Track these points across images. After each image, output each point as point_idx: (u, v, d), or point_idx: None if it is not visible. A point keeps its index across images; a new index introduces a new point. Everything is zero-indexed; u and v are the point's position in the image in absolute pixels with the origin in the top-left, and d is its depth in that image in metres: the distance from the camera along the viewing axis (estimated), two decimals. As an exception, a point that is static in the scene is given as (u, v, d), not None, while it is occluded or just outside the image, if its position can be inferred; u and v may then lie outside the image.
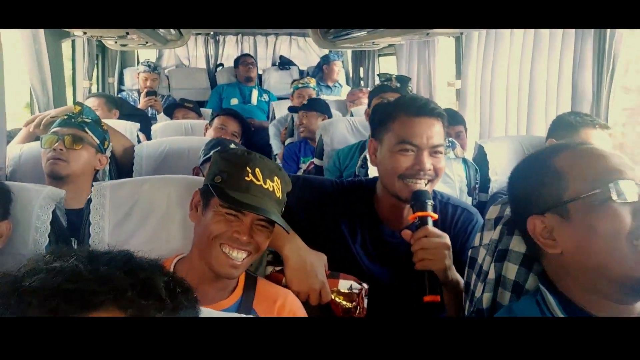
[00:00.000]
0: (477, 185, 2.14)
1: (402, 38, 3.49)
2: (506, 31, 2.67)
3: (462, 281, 1.33)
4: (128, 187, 1.42)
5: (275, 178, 1.22)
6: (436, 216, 1.37)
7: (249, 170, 1.19)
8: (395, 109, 1.48)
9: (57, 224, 1.42)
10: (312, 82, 4.23)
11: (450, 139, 2.13)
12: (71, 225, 1.80)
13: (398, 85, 2.70)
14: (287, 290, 1.33)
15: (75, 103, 2.09)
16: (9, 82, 2.06)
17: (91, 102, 3.22)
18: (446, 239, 1.31)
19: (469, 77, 3.03)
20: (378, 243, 1.53)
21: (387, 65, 5.17)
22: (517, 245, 1.10)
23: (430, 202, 1.36)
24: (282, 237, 1.40)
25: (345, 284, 1.41)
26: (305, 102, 3.69)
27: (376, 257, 1.53)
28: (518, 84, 2.63)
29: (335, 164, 2.66)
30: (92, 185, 1.42)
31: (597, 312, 0.93)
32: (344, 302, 1.37)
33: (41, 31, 2.56)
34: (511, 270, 1.11)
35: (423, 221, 1.33)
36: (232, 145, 2.06)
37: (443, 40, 3.49)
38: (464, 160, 2.13)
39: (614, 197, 0.88)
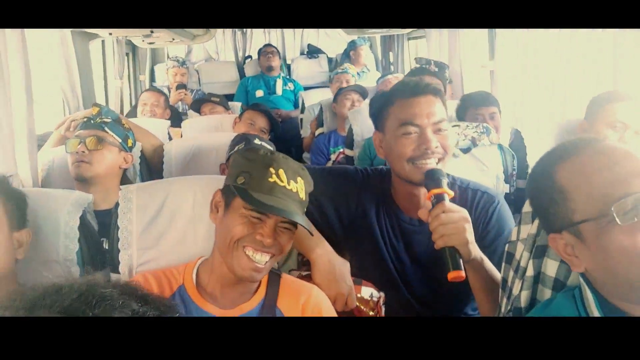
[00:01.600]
0: (514, 172, 2.05)
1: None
2: (541, 8, 2.54)
3: (486, 259, 1.28)
4: (154, 190, 1.41)
5: (299, 179, 1.18)
6: (452, 193, 1.31)
7: (273, 171, 1.15)
8: (391, 95, 1.46)
9: (87, 229, 1.42)
10: (352, 69, 4.15)
11: (484, 124, 2.04)
12: (102, 226, 1.82)
13: (436, 69, 2.64)
14: (312, 285, 1.31)
15: (94, 104, 2.10)
16: (42, 85, 2.09)
17: (152, 97, 3.35)
18: (465, 212, 1.25)
19: (502, 59, 2.91)
20: (397, 230, 1.50)
21: (416, 49, 5.05)
22: (557, 240, 1.03)
23: (444, 180, 1.31)
24: (311, 241, 1.38)
25: (366, 291, 1.40)
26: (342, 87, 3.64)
27: (397, 245, 1.50)
28: (555, 64, 2.50)
29: (365, 153, 2.62)
30: (120, 187, 1.42)
31: (635, 312, 0.89)
32: (365, 309, 1.36)
33: (68, 34, 2.58)
34: (551, 267, 1.05)
35: (439, 198, 1.27)
36: (257, 141, 2.03)
37: (474, 21, 3.37)
38: (500, 146, 2.03)
39: (619, 221, 0.82)
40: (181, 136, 3.00)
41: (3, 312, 0.56)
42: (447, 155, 1.40)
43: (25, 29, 1.91)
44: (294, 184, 1.17)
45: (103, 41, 3.50)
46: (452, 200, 1.31)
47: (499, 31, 2.89)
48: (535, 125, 2.22)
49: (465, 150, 1.99)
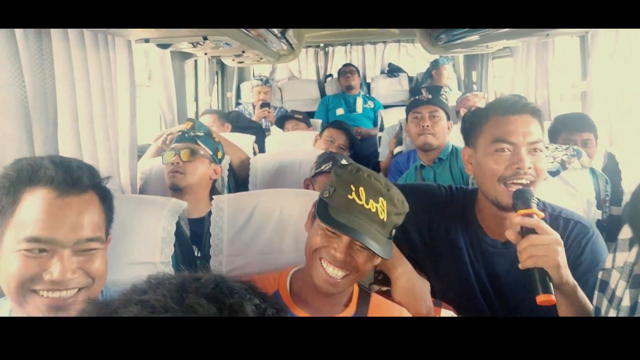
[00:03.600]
0: (607, 198, 1.95)
1: (519, 40, 3.30)
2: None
3: (578, 288, 1.22)
4: (244, 200, 1.49)
5: (381, 199, 1.16)
6: (542, 214, 1.25)
7: (353, 189, 1.15)
8: (486, 111, 1.43)
9: (181, 235, 1.51)
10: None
11: (575, 147, 1.96)
12: (193, 234, 1.92)
13: (430, 96, 2.55)
14: (402, 308, 1.31)
15: (188, 119, 2.25)
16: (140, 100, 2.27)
17: (207, 118, 3.47)
18: (557, 235, 1.19)
19: (595, 79, 2.78)
20: (479, 251, 1.47)
21: (501, 68, 4.92)
22: (658, 269, 0.98)
23: (534, 200, 1.26)
24: (393, 259, 1.38)
25: (446, 313, 1.37)
26: None
27: (478, 266, 1.47)
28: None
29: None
30: (210, 197, 1.51)
31: None
32: None
33: (168, 53, 2.78)
34: (651, 298, 1.00)
35: None
36: (344, 161, 2.07)
37: (565, 40, 3.25)
38: (592, 171, 1.94)
39: None
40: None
41: (149, 296, 0.61)
42: (539, 179, 1.35)
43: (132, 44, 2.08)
44: (374, 204, 1.15)
45: (196, 60, 3.72)
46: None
47: (593, 50, 2.77)
48: (631, 149, 2.10)
49: (554, 174, 1.92)
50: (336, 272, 1.16)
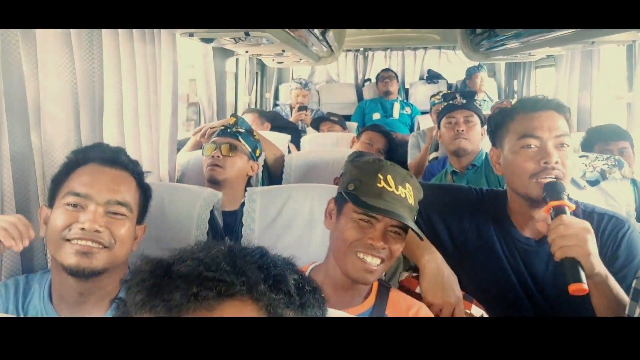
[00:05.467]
0: (648, 211, 1.89)
1: (563, 48, 3.23)
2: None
3: (610, 277, 1.20)
4: (276, 194, 1.52)
5: (407, 185, 1.21)
6: (573, 206, 1.24)
7: (381, 177, 1.19)
8: (511, 111, 1.43)
9: (215, 224, 1.56)
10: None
11: (616, 157, 1.91)
12: (226, 225, 1.97)
13: (464, 101, 2.50)
14: (421, 303, 1.31)
15: (231, 115, 2.30)
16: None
17: (247, 117, 3.52)
18: (586, 224, 1.18)
19: (643, 90, 2.70)
20: (514, 249, 1.46)
21: (544, 78, 4.83)
22: (695, 279, 0.95)
23: (565, 192, 1.25)
24: (421, 247, 1.39)
25: (477, 311, 1.37)
26: None
27: (515, 264, 1.45)
28: None
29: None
30: (245, 190, 1.54)
31: None
32: None
33: (210, 50, 2.85)
34: (687, 309, 0.97)
35: (558, 211, 1.22)
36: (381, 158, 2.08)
37: (610, 50, 3.17)
38: (633, 182, 1.89)
39: None
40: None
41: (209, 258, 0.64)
42: (566, 175, 1.34)
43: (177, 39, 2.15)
44: (402, 190, 1.20)
45: (237, 59, 3.80)
46: (574, 215, 1.26)
47: (639, 60, 2.69)
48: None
49: (593, 183, 1.88)
50: (375, 260, 1.19)
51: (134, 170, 1.28)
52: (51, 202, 1.24)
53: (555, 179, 1.30)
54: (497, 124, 1.47)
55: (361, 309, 1.26)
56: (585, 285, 1.13)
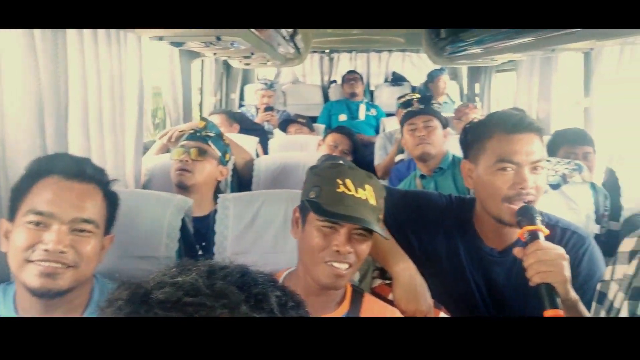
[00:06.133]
0: (606, 213, 1.97)
1: (524, 54, 3.33)
2: (644, 45, 2.45)
3: (579, 301, 1.25)
4: (249, 200, 1.51)
5: (367, 186, 1.22)
6: (547, 231, 1.27)
7: (340, 182, 1.20)
8: (490, 127, 1.42)
9: (186, 231, 1.53)
10: (416, 97, 4.02)
11: (577, 161, 1.98)
12: (196, 232, 1.94)
13: (421, 106, 2.53)
14: (394, 308, 1.33)
15: (201, 118, 2.26)
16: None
17: (215, 118, 3.48)
18: (562, 250, 1.22)
19: (599, 96, 2.81)
20: (476, 259, 1.49)
21: (504, 81, 4.96)
22: (656, 283, 1.00)
23: (539, 217, 1.28)
24: (395, 256, 1.41)
25: None
26: None
27: (477, 274, 1.49)
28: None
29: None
30: (215, 196, 1.53)
31: None
32: None
33: (176, 52, 2.80)
34: (649, 311, 1.02)
35: (534, 236, 1.25)
36: (341, 162, 2.10)
37: (568, 56, 3.29)
38: (592, 185, 1.97)
39: None
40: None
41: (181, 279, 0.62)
42: (539, 196, 1.37)
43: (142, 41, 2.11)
44: (362, 192, 1.21)
45: (203, 60, 3.75)
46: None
47: (597, 67, 2.80)
48: (631, 166, 2.12)
49: (555, 187, 1.94)
50: (343, 265, 1.20)
51: (100, 181, 1.24)
52: (12, 215, 1.18)
53: (528, 203, 1.32)
54: (473, 139, 1.46)
55: (335, 315, 1.27)
56: (562, 312, 1.16)
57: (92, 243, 1.18)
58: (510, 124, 1.39)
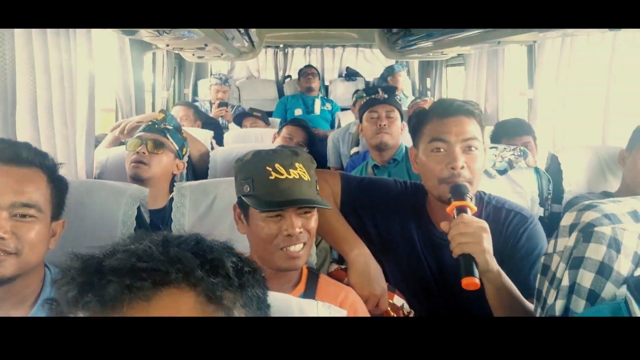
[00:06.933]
0: (549, 196, 2.08)
1: (472, 47, 3.45)
2: (581, 38, 2.59)
3: (503, 274, 1.30)
4: (206, 188, 1.51)
5: (297, 164, 1.24)
6: (475, 208, 1.34)
7: (270, 169, 1.21)
8: (427, 114, 1.50)
9: (142, 220, 1.52)
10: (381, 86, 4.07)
11: (522, 148, 2.08)
12: (151, 224, 1.91)
13: (385, 96, 2.58)
14: (349, 287, 1.36)
15: (160, 110, 2.22)
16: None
17: (181, 111, 3.43)
18: (483, 223, 1.28)
19: (541, 87, 2.95)
20: (429, 243, 1.54)
21: (454, 76, 5.11)
22: (594, 252, 1.07)
23: (468, 194, 1.34)
24: (350, 242, 1.44)
25: (399, 300, 1.44)
26: None
27: (429, 258, 1.54)
28: (594, 92, 2.53)
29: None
30: (171, 190, 1.51)
31: None
32: (395, 316, 1.40)
33: (127, 44, 2.74)
34: (587, 278, 1.08)
35: (460, 211, 1.31)
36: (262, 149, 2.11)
37: (514, 49, 3.42)
38: (536, 170, 2.07)
39: None
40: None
41: (130, 249, 0.63)
42: (475, 177, 1.42)
43: (92, 33, 2.06)
44: (294, 171, 1.22)
45: (154, 53, 3.68)
46: (482, 216, 1.36)
47: (539, 60, 2.93)
48: (572, 152, 2.24)
49: (502, 172, 2.03)
50: (298, 246, 1.22)
51: (43, 164, 1.20)
52: None
53: (461, 183, 1.38)
54: (414, 126, 1.54)
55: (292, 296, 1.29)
56: (477, 280, 1.20)
57: (35, 229, 1.14)
58: (441, 108, 1.47)
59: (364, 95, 3.78)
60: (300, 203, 1.20)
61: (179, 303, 0.61)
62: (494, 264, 1.27)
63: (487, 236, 1.25)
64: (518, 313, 1.30)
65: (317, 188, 1.29)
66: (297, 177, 1.22)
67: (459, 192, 1.35)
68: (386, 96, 2.59)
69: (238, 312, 0.65)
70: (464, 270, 1.22)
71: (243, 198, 1.23)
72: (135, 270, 0.61)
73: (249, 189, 1.22)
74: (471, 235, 1.24)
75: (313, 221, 1.25)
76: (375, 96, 2.61)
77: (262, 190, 1.20)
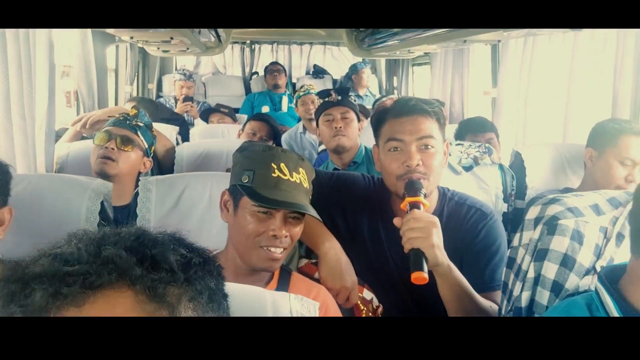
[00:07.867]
0: (513, 192, 2.12)
1: (438, 46, 3.50)
2: (544, 38, 2.66)
3: (454, 268, 1.31)
4: (172, 182, 1.47)
5: (300, 169, 1.24)
6: (428, 204, 1.36)
7: (275, 166, 1.20)
8: (386, 113, 1.52)
9: (105, 216, 1.48)
10: (313, 89, 3.85)
11: (487, 145, 2.12)
12: (115, 221, 1.86)
13: (339, 98, 2.54)
14: (320, 285, 1.36)
15: (133, 106, 2.15)
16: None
17: (139, 106, 3.33)
18: (434, 218, 1.29)
19: (505, 86, 3.02)
20: (394, 237, 1.50)
21: (420, 75, 5.18)
22: (557, 244, 1.10)
23: (422, 191, 1.36)
24: (321, 236, 1.44)
25: (368, 294, 1.44)
26: (311, 110, 3.48)
27: (395, 254, 1.54)
28: (555, 91, 2.61)
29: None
30: (136, 187, 1.47)
31: None
32: (365, 310, 1.41)
33: (90, 36, 2.67)
34: (551, 270, 1.11)
35: (412, 206, 1.33)
36: (273, 145, 2.10)
37: (478, 49, 3.49)
38: (500, 167, 2.11)
39: None
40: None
41: (74, 244, 0.59)
42: (432, 176, 1.44)
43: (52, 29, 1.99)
44: (297, 175, 1.22)
45: (117, 46, 3.59)
46: (444, 212, 1.40)
47: (503, 59, 3.00)
48: (535, 148, 2.30)
49: (467, 169, 2.07)
50: (278, 250, 1.21)
51: None
52: None
53: (416, 179, 1.39)
54: (374, 125, 1.55)
55: None
56: (425, 275, 1.21)
57: None
58: (398, 108, 1.49)
59: (301, 95, 3.71)
60: (297, 207, 1.18)
61: (115, 305, 0.57)
62: (444, 259, 1.28)
63: (437, 231, 1.26)
64: (469, 306, 1.33)
65: (310, 198, 1.28)
66: (299, 181, 1.22)
67: (412, 188, 1.37)
68: (340, 98, 2.54)
69: (184, 308, 0.61)
70: (413, 265, 1.23)
71: (238, 187, 1.21)
72: (61, 276, 0.56)
73: (247, 180, 1.20)
74: (421, 230, 1.25)
75: (299, 228, 1.24)
76: (329, 98, 2.55)
77: (261, 184, 1.19)
